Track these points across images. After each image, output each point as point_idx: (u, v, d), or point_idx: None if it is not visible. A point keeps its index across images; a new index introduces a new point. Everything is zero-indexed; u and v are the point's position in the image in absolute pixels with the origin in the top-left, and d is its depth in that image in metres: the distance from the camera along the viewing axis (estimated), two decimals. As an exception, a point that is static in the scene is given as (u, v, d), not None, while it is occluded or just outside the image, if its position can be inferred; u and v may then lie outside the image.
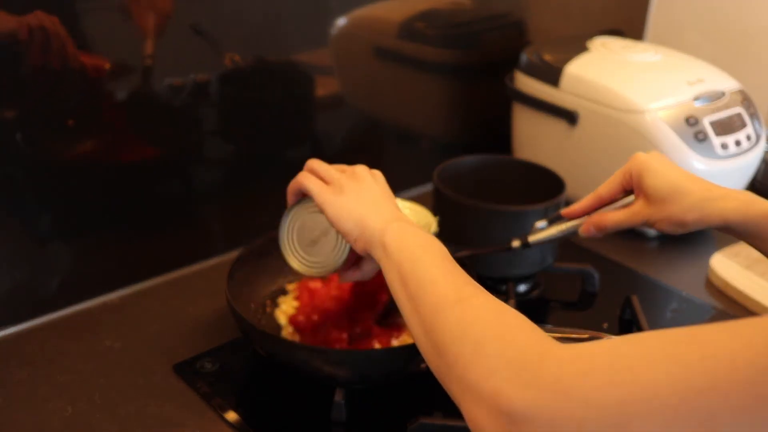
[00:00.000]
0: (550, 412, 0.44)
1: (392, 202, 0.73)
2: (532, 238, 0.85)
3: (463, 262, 0.93)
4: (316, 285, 0.94)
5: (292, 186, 0.77)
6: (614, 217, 0.77)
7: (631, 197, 0.78)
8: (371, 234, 0.68)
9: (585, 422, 0.42)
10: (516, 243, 0.87)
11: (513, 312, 0.54)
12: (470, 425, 0.49)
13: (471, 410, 0.48)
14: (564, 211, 0.82)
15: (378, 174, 0.76)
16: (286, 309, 0.94)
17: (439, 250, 0.64)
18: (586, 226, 0.79)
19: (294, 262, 0.81)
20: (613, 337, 0.74)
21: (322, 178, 0.75)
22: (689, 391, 0.40)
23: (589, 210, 0.80)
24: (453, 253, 0.87)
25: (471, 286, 0.58)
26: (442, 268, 0.61)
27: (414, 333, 0.59)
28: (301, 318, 0.90)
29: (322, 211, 0.73)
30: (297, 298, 0.95)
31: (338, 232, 0.72)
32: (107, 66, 0.93)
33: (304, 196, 0.78)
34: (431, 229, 0.97)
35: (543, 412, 0.44)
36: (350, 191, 0.72)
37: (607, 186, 0.78)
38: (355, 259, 0.77)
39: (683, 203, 0.72)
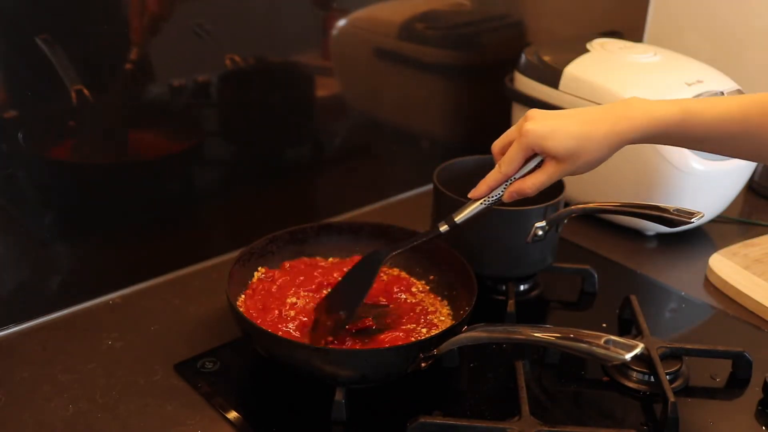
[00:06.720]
0: None
1: None
2: (458, 217, 0.84)
3: (461, 263, 0.93)
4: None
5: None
6: (534, 181, 0.79)
7: (534, 161, 0.80)
8: None
9: None
10: (444, 227, 0.85)
11: None
12: None
13: None
14: (471, 193, 0.83)
15: None
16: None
17: None
18: (508, 194, 0.81)
19: None
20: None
21: None
22: None
23: (496, 187, 0.82)
24: (385, 252, 0.86)
25: None
26: None
27: None
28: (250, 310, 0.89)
29: None
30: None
31: None
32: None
33: None
34: None
35: None
36: None
37: (510, 164, 0.80)
38: None
39: (592, 147, 0.78)
